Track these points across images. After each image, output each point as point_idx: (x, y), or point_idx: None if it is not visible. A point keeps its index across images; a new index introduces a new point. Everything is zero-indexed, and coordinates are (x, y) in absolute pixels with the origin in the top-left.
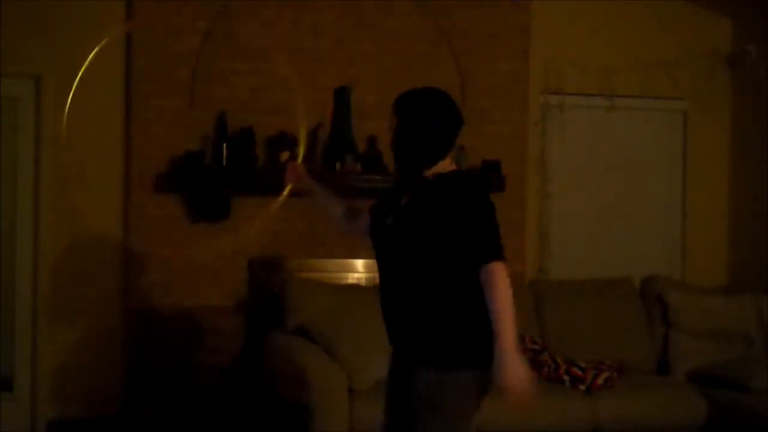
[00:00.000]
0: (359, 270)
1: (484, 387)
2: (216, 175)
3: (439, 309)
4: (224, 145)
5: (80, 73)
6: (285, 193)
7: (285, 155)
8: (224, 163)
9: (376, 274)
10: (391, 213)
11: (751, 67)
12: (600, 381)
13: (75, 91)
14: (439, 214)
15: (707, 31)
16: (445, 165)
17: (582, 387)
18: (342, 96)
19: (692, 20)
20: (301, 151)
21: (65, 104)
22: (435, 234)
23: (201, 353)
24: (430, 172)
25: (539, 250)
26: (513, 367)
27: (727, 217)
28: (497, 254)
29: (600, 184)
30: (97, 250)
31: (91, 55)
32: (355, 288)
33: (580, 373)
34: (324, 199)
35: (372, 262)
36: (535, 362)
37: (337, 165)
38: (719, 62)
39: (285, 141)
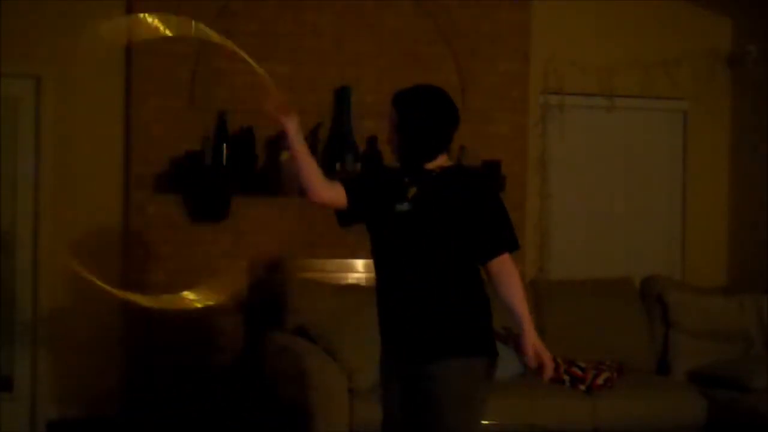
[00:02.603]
0: (359, 270)
1: (493, 372)
2: (216, 175)
3: (457, 298)
4: (224, 145)
5: None
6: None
7: (285, 155)
8: (224, 163)
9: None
10: (399, 202)
11: (751, 67)
12: (600, 381)
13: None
14: (458, 205)
15: (707, 31)
16: (444, 159)
17: (582, 387)
18: (342, 96)
19: (692, 20)
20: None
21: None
22: (456, 225)
23: (201, 353)
24: (431, 166)
25: (539, 250)
26: (537, 339)
27: (727, 217)
28: (514, 244)
29: (600, 184)
30: (98, 250)
31: None
32: (355, 288)
33: (580, 373)
34: (306, 154)
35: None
36: None
37: (337, 165)
38: (719, 62)
39: (285, 141)
